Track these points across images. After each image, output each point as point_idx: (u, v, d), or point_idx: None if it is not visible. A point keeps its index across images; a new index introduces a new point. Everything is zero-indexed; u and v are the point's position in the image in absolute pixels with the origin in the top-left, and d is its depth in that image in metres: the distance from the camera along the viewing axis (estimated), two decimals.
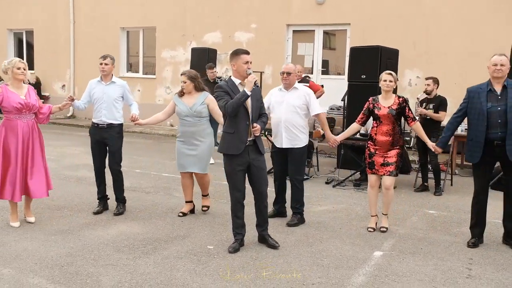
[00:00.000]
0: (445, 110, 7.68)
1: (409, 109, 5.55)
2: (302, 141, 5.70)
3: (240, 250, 4.80)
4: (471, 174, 9.05)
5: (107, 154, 5.97)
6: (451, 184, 8.15)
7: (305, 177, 8.31)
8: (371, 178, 5.61)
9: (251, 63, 4.73)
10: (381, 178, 5.60)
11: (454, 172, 8.75)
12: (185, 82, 5.73)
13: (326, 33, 13.08)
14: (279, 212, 5.99)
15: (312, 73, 12.81)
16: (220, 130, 10.15)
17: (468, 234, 5.46)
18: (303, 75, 9.97)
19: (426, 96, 7.88)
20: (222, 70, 13.64)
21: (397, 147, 5.48)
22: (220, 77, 9.92)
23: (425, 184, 7.73)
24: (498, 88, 4.99)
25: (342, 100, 10.59)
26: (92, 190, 7.01)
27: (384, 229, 5.57)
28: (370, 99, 5.65)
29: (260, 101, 4.89)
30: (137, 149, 11.02)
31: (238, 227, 4.89)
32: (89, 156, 6.16)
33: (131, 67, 16.14)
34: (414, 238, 5.39)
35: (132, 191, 7.10)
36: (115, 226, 5.49)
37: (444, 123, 7.02)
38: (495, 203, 6.86)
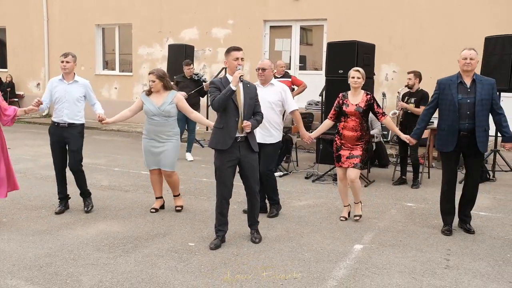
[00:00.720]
0: (426, 104, 7.76)
1: (378, 105, 5.68)
2: (275, 137, 5.75)
3: (221, 247, 4.80)
4: None
5: (67, 153, 5.83)
6: (428, 177, 8.27)
7: (285, 172, 8.36)
8: (339, 171, 5.74)
9: (242, 59, 4.75)
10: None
11: (431, 165, 8.87)
12: (153, 81, 5.67)
13: (303, 28, 13.13)
14: (261, 208, 5.99)
15: (289, 68, 12.83)
16: (198, 127, 10.16)
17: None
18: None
19: (408, 90, 7.94)
20: (200, 66, 13.59)
21: (363, 141, 5.62)
22: (197, 74, 9.87)
23: (403, 177, 7.82)
24: (467, 81, 5.20)
25: (320, 95, 10.66)
26: (70, 190, 6.92)
27: (358, 217, 5.74)
28: (340, 95, 5.77)
29: (254, 99, 4.86)
30: (115, 147, 10.92)
31: (221, 224, 4.89)
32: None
33: (107, 64, 15.95)
34: (393, 230, 5.46)
35: (111, 190, 7.03)
36: (94, 225, 5.43)
37: None
38: None
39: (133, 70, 15.09)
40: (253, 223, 5.04)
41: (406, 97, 7.88)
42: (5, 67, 17.41)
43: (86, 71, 15.39)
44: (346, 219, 5.79)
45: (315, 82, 11.84)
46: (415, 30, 11.42)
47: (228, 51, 4.82)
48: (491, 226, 5.66)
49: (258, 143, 5.59)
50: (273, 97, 5.70)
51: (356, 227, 5.54)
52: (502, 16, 10.55)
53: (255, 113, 4.88)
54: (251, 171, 4.84)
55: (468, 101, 5.14)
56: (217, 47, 13.64)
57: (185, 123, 9.40)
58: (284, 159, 8.71)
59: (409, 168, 8.36)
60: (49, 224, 5.42)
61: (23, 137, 12.14)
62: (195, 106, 9.31)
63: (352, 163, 5.58)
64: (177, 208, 6.02)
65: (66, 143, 5.76)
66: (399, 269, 4.35)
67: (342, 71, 8.61)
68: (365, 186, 7.59)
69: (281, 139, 5.84)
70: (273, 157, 5.85)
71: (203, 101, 10.69)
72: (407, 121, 7.64)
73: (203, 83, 9.61)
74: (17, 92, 16.84)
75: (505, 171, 8.33)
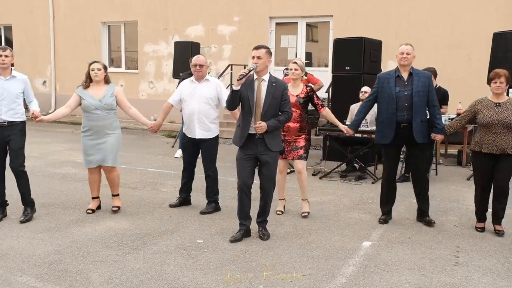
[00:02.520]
0: (446, 103, 7.68)
1: (317, 97, 5.79)
2: (214, 131, 5.83)
3: (242, 240, 4.86)
4: (455, 164, 9.21)
5: (7, 154, 5.43)
6: (436, 174, 8.23)
7: (292, 169, 8.34)
8: (280, 163, 5.75)
9: (259, 57, 4.73)
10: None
11: (438, 161, 8.84)
12: (99, 70, 5.55)
13: (308, 25, 13.10)
14: (185, 200, 6.12)
15: None
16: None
17: (454, 222, 5.58)
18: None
19: None
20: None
21: (305, 132, 5.70)
22: None
23: (406, 175, 7.77)
24: (405, 75, 5.45)
25: (326, 92, 10.64)
26: (78, 187, 6.97)
27: (306, 214, 5.79)
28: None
29: (279, 98, 4.79)
30: (122, 144, 10.91)
31: (242, 217, 4.94)
32: (74, 152, 6.10)
33: (112, 62, 15.97)
34: (402, 227, 5.44)
35: (119, 187, 7.03)
36: (102, 222, 5.44)
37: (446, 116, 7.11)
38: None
39: (139, 68, 15.10)
40: (262, 220, 5.05)
41: None
42: (12, 65, 17.44)
43: None
44: (282, 212, 5.85)
45: (321, 78, 11.81)
46: (421, 26, 11.37)
47: (252, 50, 4.85)
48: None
49: (198, 139, 5.75)
50: (209, 93, 5.76)
51: (364, 224, 5.53)
52: (507, 11, 10.48)
53: (281, 112, 4.84)
54: (267, 169, 4.86)
55: (406, 93, 5.37)
56: (222, 44, 13.63)
57: None
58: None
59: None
60: (57, 221, 5.44)
61: (29, 134, 12.10)
62: None
63: (298, 154, 5.68)
64: (114, 209, 5.79)
65: (6, 143, 5.35)
66: (409, 266, 4.34)
67: (348, 68, 8.61)
68: (372, 183, 7.58)
69: (218, 133, 5.92)
70: (214, 152, 5.93)
71: None
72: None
73: None
74: None
75: None
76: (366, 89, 7.76)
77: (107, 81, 5.66)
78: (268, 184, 4.90)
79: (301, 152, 5.66)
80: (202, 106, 5.71)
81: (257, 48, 4.80)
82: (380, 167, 8.46)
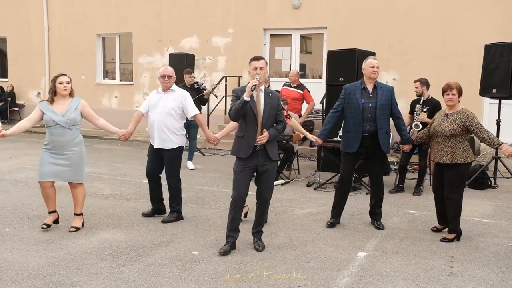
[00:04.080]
0: None
1: (283, 108, 5.83)
2: (174, 143, 5.83)
3: (230, 253, 4.82)
4: None
5: None
6: (430, 184, 8.25)
7: (286, 180, 8.37)
8: None
9: (261, 68, 4.76)
10: None
11: (432, 172, 8.86)
12: (68, 83, 5.39)
13: (302, 37, 13.18)
14: (157, 209, 6.13)
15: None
16: (199, 135, 10.16)
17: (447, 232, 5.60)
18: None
19: (418, 97, 7.84)
20: (200, 75, 13.63)
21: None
22: (197, 82, 9.89)
23: (400, 185, 7.80)
24: (370, 87, 5.68)
25: (320, 103, 10.70)
26: (72, 199, 6.93)
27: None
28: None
29: (275, 109, 4.89)
30: (116, 156, 10.91)
31: (232, 230, 4.92)
32: None
33: (107, 73, 15.99)
34: (396, 238, 5.46)
35: (113, 199, 7.03)
36: (97, 234, 5.42)
37: None
38: (473, 201, 7.00)
39: (133, 79, 15.12)
40: (258, 231, 5.06)
41: (417, 105, 7.76)
42: (6, 76, 17.46)
43: (86, 80, 15.44)
44: (245, 216, 5.87)
45: (315, 90, 11.87)
46: (414, 37, 11.47)
47: (250, 61, 4.87)
48: (494, 233, 5.66)
49: (159, 149, 5.79)
50: (173, 103, 5.82)
51: (359, 235, 5.54)
52: (500, 23, 10.61)
53: (277, 122, 4.92)
54: (266, 179, 4.90)
55: (370, 105, 5.61)
56: (217, 56, 13.69)
57: (186, 131, 9.41)
58: (286, 167, 8.71)
59: (409, 176, 8.39)
60: (52, 233, 5.42)
61: (24, 146, 12.15)
62: None
63: None
64: (71, 230, 5.47)
65: None
66: (403, 277, 4.35)
67: (342, 79, 8.65)
68: (367, 193, 7.59)
69: (181, 145, 5.92)
70: (175, 163, 5.94)
71: (204, 109, 10.70)
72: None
73: (203, 91, 9.63)
74: (17, 102, 16.86)
75: (507, 177, 8.34)
76: None
77: (71, 94, 5.49)
78: (267, 191, 4.94)
79: None
80: (163, 116, 5.76)
81: (257, 59, 4.83)
82: None
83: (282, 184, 8.15)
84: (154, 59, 14.64)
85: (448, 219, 5.41)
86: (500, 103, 8.43)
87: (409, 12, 11.52)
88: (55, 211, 5.66)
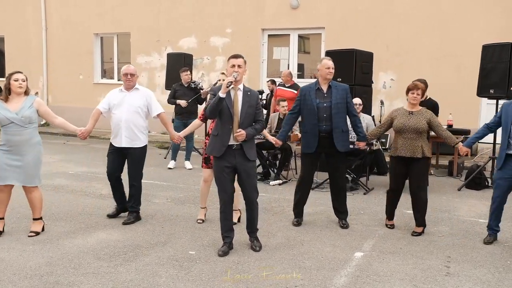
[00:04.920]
0: (437, 115, 7.73)
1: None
2: (141, 141, 5.83)
3: (229, 253, 4.81)
4: (446, 174, 9.27)
5: None
6: (427, 184, 8.26)
7: (284, 180, 8.37)
8: (206, 172, 5.81)
9: (239, 66, 4.71)
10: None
11: (429, 172, 8.88)
12: (24, 81, 5.23)
13: (301, 37, 13.19)
14: (122, 209, 6.06)
15: None
16: (196, 135, 10.15)
17: (444, 232, 5.62)
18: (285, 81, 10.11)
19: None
20: (198, 75, 13.63)
21: None
22: (195, 81, 9.87)
23: None
24: (324, 88, 5.77)
25: None
26: (70, 199, 6.95)
27: (235, 223, 5.77)
28: (210, 95, 5.86)
29: (254, 107, 4.83)
30: None
31: (227, 230, 4.91)
32: (66, 163, 6.07)
33: (105, 73, 15.98)
34: (393, 238, 5.47)
35: (111, 198, 6.98)
36: (94, 234, 5.42)
37: None
38: (470, 201, 7.01)
39: None
40: (252, 231, 5.03)
41: None
42: (4, 76, 17.40)
43: (84, 80, 15.44)
44: (203, 221, 5.90)
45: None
46: (411, 38, 11.50)
47: (228, 58, 4.85)
48: None
49: (125, 148, 5.75)
50: (138, 102, 5.79)
51: (356, 235, 5.55)
52: (497, 23, 10.64)
53: (256, 121, 4.87)
54: (247, 179, 4.84)
55: (325, 105, 5.70)
56: (215, 56, 13.70)
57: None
58: (283, 167, 8.72)
59: None
60: (49, 233, 5.41)
61: None
62: (193, 113, 9.33)
63: None
64: (30, 234, 5.27)
65: None
66: (400, 277, 4.36)
67: (340, 79, 8.66)
68: (364, 193, 7.61)
69: (146, 143, 5.92)
70: (142, 161, 5.92)
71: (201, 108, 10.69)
72: None
73: (201, 91, 9.62)
74: None
75: None
76: (357, 100, 7.82)
77: (26, 92, 5.27)
78: (252, 193, 4.87)
79: None
80: (130, 114, 5.72)
81: (236, 57, 4.78)
82: (372, 178, 8.52)
83: (280, 184, 8.15)
84: (152, 59, 14.64)
85: (415, 214, 5.63)
86: (497, 104, 8.44)
87: (407, 13, 11.54)
88: (2, 218, 5.37)
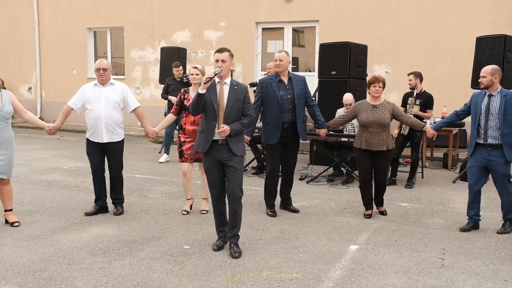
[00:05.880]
0: (431, 107, 7.72)
1: None
2: (120, 135, 5.85)
3: (224, 248, 4.79)
4: (441, 167, 9.29)
5: None
6: (422, 177, 8.29)
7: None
8: (183, 165, 5.93)
9: (223, 61, 4.61)
10: (192, 166, 6.01)
11: (424, 165, 8.90)
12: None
13: (295, 30, 13.15)
14: (102, 208, 5.98)
15: None
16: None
17: (439, 224, 5.63)
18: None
19: (411, 90, 7.82)
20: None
21: None
22: (187, 75, 9.81)
23: (393, 178, 7.82)
24: (285, 79, 5.92)
25: (313, 97, 10.67)
26: (64, 194, 6.92)
27: (205, 212, 5.97)
28: (182, 90, 5.94)
29: (241, 101, 4.69)
30: None
31: (221, 225, 4.86)
32: (60, 159, 6.04)
33: None
34: (388, 230, 5.47)
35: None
36: (88, 229, 5.39)
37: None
38: (464, 194, 7.01)
39: (125, 74, 15.04)
40: (234, 235, 4.70)
41: (409, 98, 7.75)
42: None
43: (78, 74, 15.35)
44: (187, 212, 5.98)
45: (308, 83, 11.85)
46: (406, 31, 11.48)
47: (214, 53, 4.76)
48: (485, 225, 5.68)
49: (105, 143, 5.74)
50: (115, 97, 5.75)
51: (351, 228, 5.55)
52: (491, 17, 10.63)
53: (244, 116, 4.73)
54: (232, 175, 4.65)
55: (289, 96, 5.85)
56: (209, 50, 13.62)
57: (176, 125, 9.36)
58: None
59: (402, 169, 8.42)
60: (42, 228, 5.38)
61: (15, 141, 12.05)
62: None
63: (197, 157, 5.76)
64: (16, 224, 5.41)
65: None
66: (395, 269, 4.36)
67: (334, 72, 8.65)
68: (359, 186, 7.59)
69: (124, 137, 5.93)
70: (121, 154, 5.95)
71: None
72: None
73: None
74: None
75: None
76: (349, 96, 7.71)
77: (2, 86, 5.38)
78: (236, 190, 4.62)
79: (200, 154, 5.66)
80: (109, 110, 5.69)
81: (220, 51, 4.66)
82: None
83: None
84: (146, 53, 14.56)
85: (375, 198, 6.02)
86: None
87: (401, 6, 11.52)
88: None
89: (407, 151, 8.14)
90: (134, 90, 14.81)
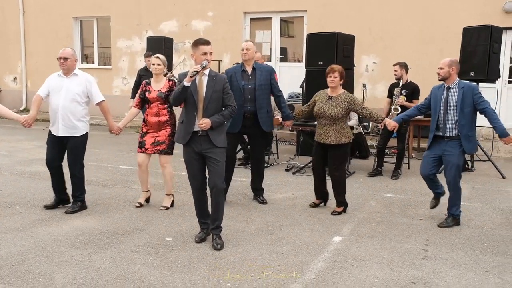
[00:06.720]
0: (417, 98, 7.70)
1: None
2: (80, 130, 5.56)
3: (206, 240, 4.74)
4: None
5: None
6: (408, 168, 8.29)
7: (265, 165, 8.31)
8: (139, 157, 5.82)
9: (210, 53, 4.58)
10: (149, 158, 5.88)
11: (410, 155, 8.90)
12: None
13: (284, 21, 13.05)
14: (61, 200, 5.80)
15: (270, 60, 12.78)
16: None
17: (424, 215, 5.63)
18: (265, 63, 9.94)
19: (397, 81, 7.81)
20: (180, 59, 13.45)
21: (168, 126, 5.72)
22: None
23: (379, 169, 7.81)
24: (249, 69, 5.92)
25: (300, 87, 10.62)
26: (46, 185, 6.81)
27: (163, 208, 5.80)
28: (144, 82, 5.87)
29: (221, 92, 4.63)
30: (94, 141, 10.69)
31: (203, 216, 4.82)
32: (44, 150, 5.93)
33: (86, 58, 15.70)
34: (373, 221, 5.45)
35: (88, 185, 6.86)
36: (70, 221, 5.32)
37: None
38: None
39: (112, 64, 14.88)
40: (216, 227, 4.65)
41: (395, 89, 7.74)
42: None
43: None
44: (141, 205, 5.89)
45: (296, 74, 11.81)
46: (394, 21, 11.43)
47: (196, 44, 4.59)
48: (469, 215, 5.69)
49: (63, 137, 5.51)
50: (76, 88, 5.48)
51: (336, 219, 5.52)
52: (479, 8, 10.61)
53: (225, 106, 4.68)
54: (214, 166, 4.58)
55: (250, 86, 5.85)
56: None
57: None
58: (265, 151, 8.65)
59: (388, 159, 8.41)
60: (23, 221, 5.30)
61: (0, 132, 11.91)
62: None
63: (159, 149, 5.71)
64: None
65: None
66: (378, 261, 4.34)
67: (322, 63, 8.57)
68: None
69: (87, 131, 5.66)
70: (81, 150, 5.65)
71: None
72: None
73: (166, 75, 9.40)
74: None
75: (484, 160, 8.40)
76: (154, 60, 7.61)
77: None
78: (218, 182, 4.55)
79: (162, 147, 5.69)
80: (67, 102, 5.44)
81: (207, 43, 4.58)
82: (354, 161, 8.50)
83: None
84: (133, 43, 14.40)
85: (335, 194, 5.79)
86: (478, 87, 8.41)
87: None
88: None
89: (393, 142, 8.11)
90: (121, 81, 14.68)
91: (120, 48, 14.60)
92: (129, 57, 14.50)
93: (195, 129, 4.60)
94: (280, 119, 6.60)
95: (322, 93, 5.84)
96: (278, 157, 9.01)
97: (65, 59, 5.46)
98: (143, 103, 5.81)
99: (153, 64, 5.71)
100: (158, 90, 5.66)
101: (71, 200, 5.77)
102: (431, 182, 5.48)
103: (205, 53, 4.55)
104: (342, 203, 5.76)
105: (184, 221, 5.37)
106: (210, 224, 4.74)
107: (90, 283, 3.83)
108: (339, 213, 5.70)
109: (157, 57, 5.75)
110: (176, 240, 4.77)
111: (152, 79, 5.80)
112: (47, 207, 5.73)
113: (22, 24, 15.82)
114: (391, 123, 5.62)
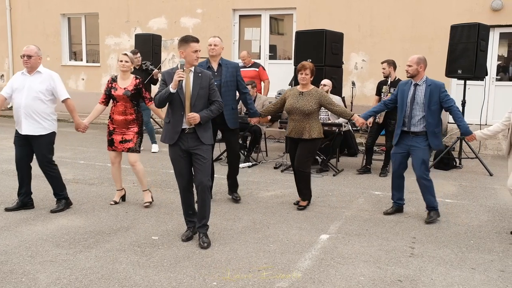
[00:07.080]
0: None
1: (146, 90, 5.84)
2: (46, 129, 5.42)
3: (193, 238, 4.71)
4: None
5: None
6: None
7: (254, 162, 8.29)
8: (111, 155, 5.83)
9: (200, 51, 4.56)
10: (121, 155, 5.88)
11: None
12: None
13: (274, 18, 13.02)
14: (24, 203, 5.62)
15: (259, 58, 12.74)
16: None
17: (411, 213, 5.62)
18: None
19: (385, 78, 7.81)
20: (169, 56, 13.38)
21: (135, 125, 5.71)
22: (145, 63, 9.50)
23: (368, 166, 7.82)
24: (215, 66, 5.82)
25: (289, 84, 10.62)
26: (32, 184, 6.72)
27: (148, 204, 5.81)
28: (110, 78, 5.81)
29: (207, 89, 4.60)
30: (81, 139, 10.67)
31: (189, 215, 4.79)
32: None
33: (75, 55, 15.57)
34: (360, 219, 5.45)
35: (75, 183, 6.85)
36: (55, 220, 5.26)
37: None
38: (438, 181, 7.04)
39: (100, 61, 14.76)
40: (203, 225, 4.63)
41: (384, 86, 7.74)
42: None
43: (52, 62, 15.00)
44: (116, 203, 5.88)
45: (285, 71, 11.78)
46: (383, 19, 11.43)
47: (186, 41, 4.54)
48: (456, 213, 5.71)
49: (28, 135, 5.39)
50: (40, 86, 5.34)
51: (323, 217, 5.51)
52: (468, 5, 10.64)
53: (211, 102, 4.66)
54: (200, 164, 4.55)
55: (216, 83, 5.62)
56: None
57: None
58: (253, 149, 8.63)
59: (377, 157, 8.42)
60: (7, 220, 5.24)
61: None
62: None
63: (127, 147, 5.70)
64: None
65: None
66: (364, 259, 4.33)
67: (310, 60, 8.55)
68: (334, 175, 7.58)
69: (54, 130, 5.50)
70: (47, 149, 5.49)
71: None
72: (390, 114, 7.43)
73: (152, 72, 9.34)
74: None
75: (471, 158, 8.43)
76: (325, 82, 7.77)
77: None
78: (204, 179, 4.52)
79: (130, 145, 5.68)
80: (30, 100, 5.28)
81: (197, 41, 4.56)
82: (342, 159, 8.50)
83: (249, 167, 8.07)
84: (122, 40, 14.29)
85: (300, 188, 5.86)
86: (465, 84, 8.46)
87: None
88: None
89: (381, 139, 8.12)
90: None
91: (109, 45, 14.48)
92: (117, 54, 14.35)
93: (182, 127, 4.56)
94: (269, 117, 6.60)
95: (292, 90, 5.87)
96: (267, 155, 8.99)
97: (29, 56, 5.32)
98: (109, 100, 5.74)
99: (121, 61, 5.60)
100: (125, 88, 5.59)
101: (34, 206, 5.67)
102: (399, 184, 5.61)
103: (196, 51, 4.52)
104: (307, 196, 5.86)
105: (171, 219, 5.33)
106: (196, 222, 4.70)
107: (74, 283, 3.78)
108: (305, 207, 5.78)
109: (125, 54, 5.65)
110: (162, 239, 4.74)
111: (118, 76, 5.70)
112: (8, 210, 5.53)
113: (9, 20, 15.64)
114: (360, 120, 5.68)
